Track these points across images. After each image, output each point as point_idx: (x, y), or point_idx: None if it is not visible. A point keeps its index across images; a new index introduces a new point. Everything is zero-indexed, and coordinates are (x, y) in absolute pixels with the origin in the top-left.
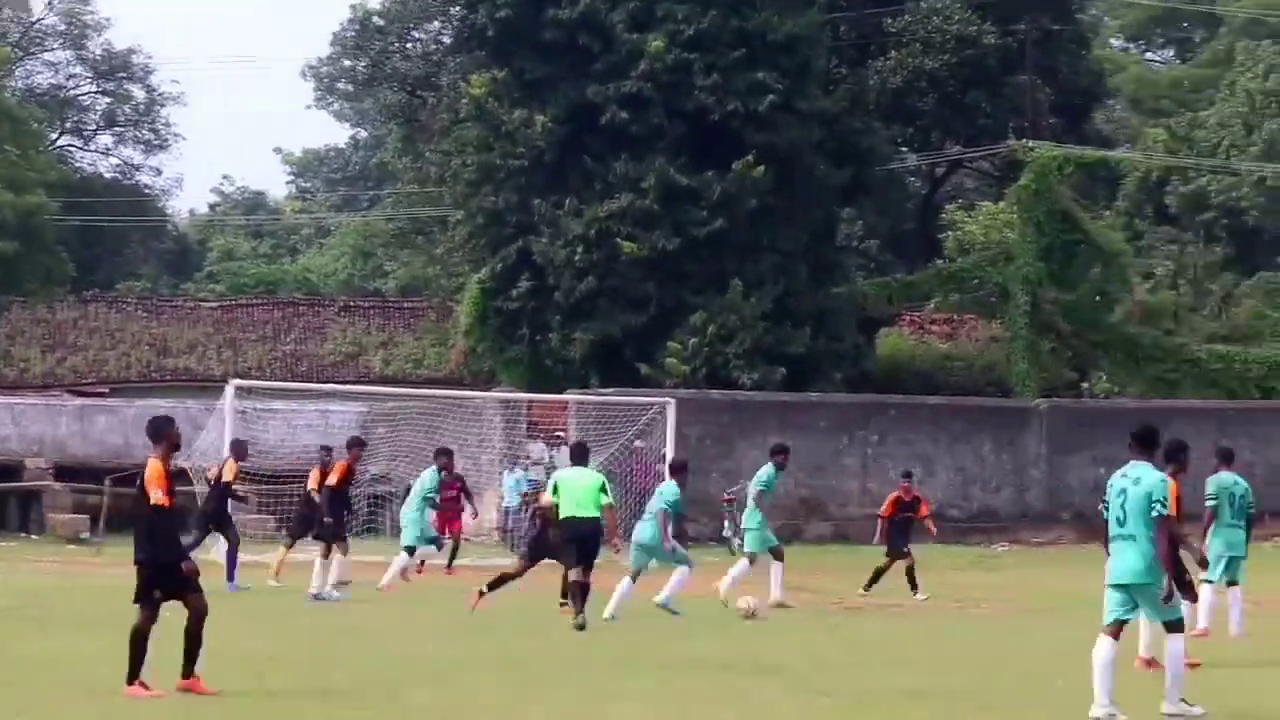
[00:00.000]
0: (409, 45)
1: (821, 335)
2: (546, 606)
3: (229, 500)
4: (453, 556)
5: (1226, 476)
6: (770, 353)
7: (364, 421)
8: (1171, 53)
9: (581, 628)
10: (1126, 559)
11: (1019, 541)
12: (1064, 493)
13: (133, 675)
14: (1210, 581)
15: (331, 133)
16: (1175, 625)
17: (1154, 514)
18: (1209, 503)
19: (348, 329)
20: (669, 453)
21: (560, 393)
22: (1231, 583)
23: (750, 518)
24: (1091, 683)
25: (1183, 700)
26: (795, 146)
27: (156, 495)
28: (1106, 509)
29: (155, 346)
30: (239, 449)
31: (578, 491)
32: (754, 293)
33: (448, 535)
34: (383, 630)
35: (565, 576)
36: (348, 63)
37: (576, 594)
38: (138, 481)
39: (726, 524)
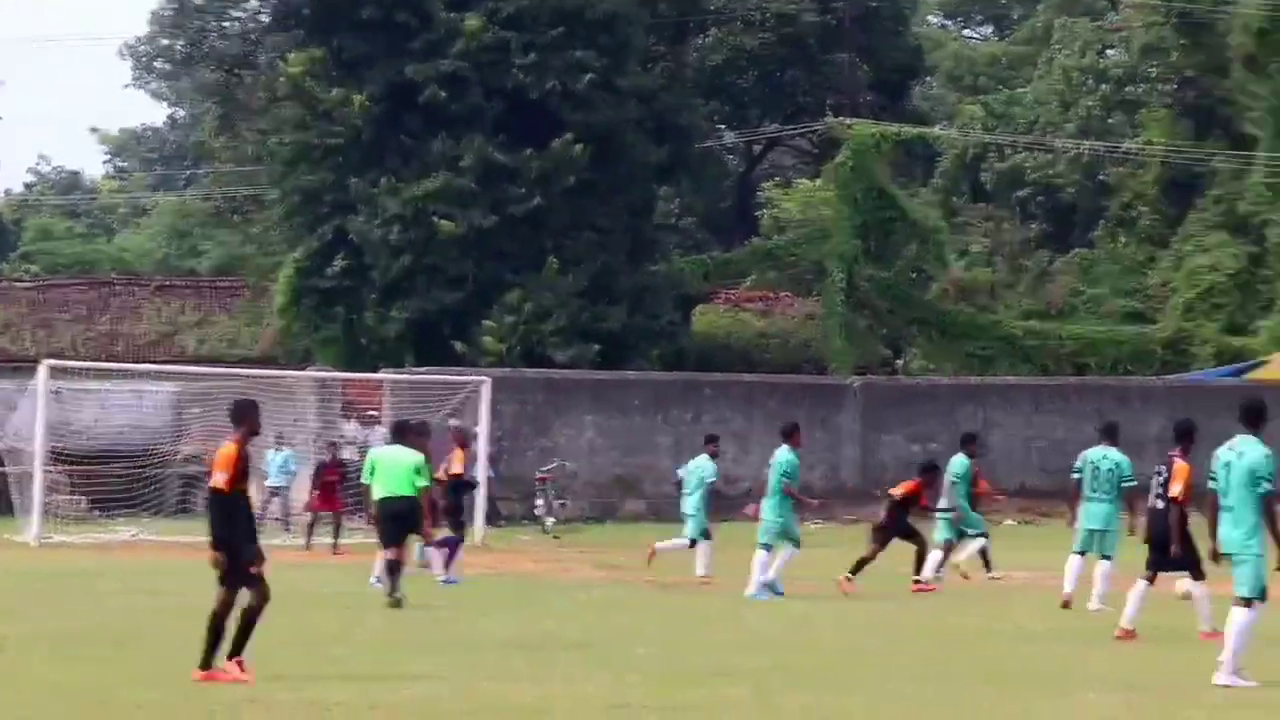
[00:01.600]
0: (226, 24)
1: (638, 313)
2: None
3: (463, 492)
4: (336, 536)
5: (1095, 451)
6: (586, 330)
7: (177, 402)
8: (989, 29)
9: (397, 605)
10: (1226, 529)
11: (833, 519)
12: (878, 470)
13: (207, 660)
14: (1078, 553)
15: (149, 112)
16: (1245, 600)
17: (1259, 490)
18: (1073, 475)
19: (163, 309)
20: (484, 431)
21: (375, 372)
22: (1104, 557)
23: (778, 508)
24: None
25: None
26: (613, 124)
27: (218, 479)
28: (1214, 480)
29: None
30: (461, 436)
31: (393, 471)
32: (571, 270)
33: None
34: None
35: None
36: (165, 41)
37: (393, 572)
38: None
39: (539, 502)
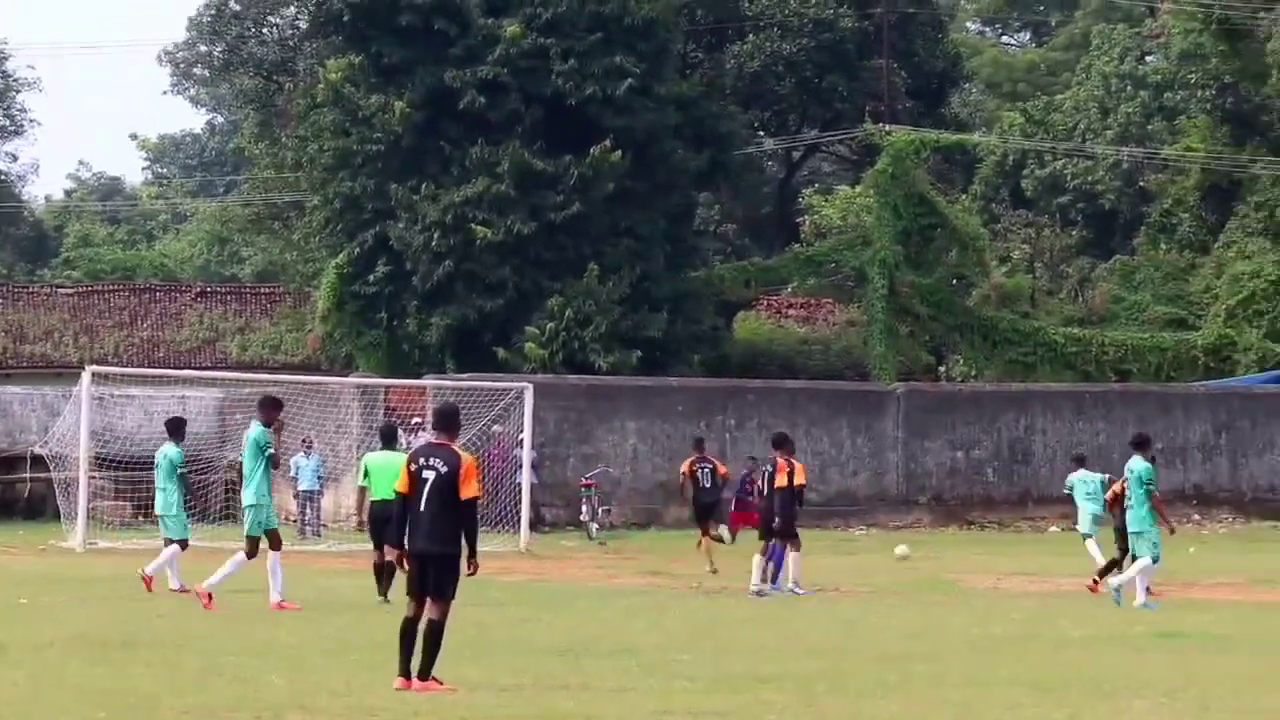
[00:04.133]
0: (265, 30)
1: (679, 319)
2: None
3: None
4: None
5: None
6: (627, 336)
7: (221, 408)
8: (1028, 36)
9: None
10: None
11: (877, 525)
12: (921, 476)
13: (403, 669)
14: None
15: (188, 118)
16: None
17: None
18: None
19: (204, 315)
20: (527, 438)
21: (418, 378)
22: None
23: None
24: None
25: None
26: (652, 131)
27: (474, 488)
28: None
29: (11, 333)
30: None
31: (389, 475)
32: (611, 277)
33: None
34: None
35: None
36: (204, 48)
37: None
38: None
39: (585, 509)
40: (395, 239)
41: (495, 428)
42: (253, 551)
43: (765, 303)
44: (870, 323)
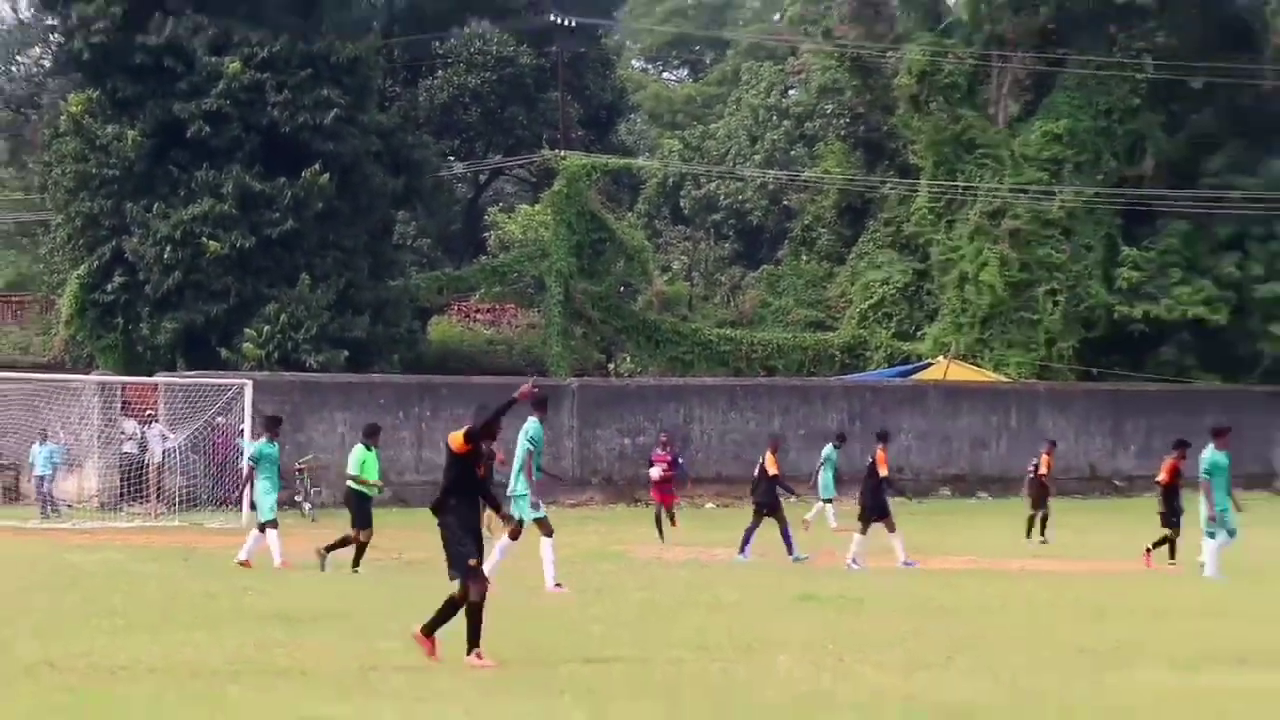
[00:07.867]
0: (14, 68)
1: (380, 322)
2: None
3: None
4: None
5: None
6: (335, 338)
7: None
8: (685, 72)
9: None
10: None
11: (555, 503)
12: (593, 460)
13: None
14: None
15: None
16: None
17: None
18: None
19: None
20: (247, 428)
21: (151, 375)
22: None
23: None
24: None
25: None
26: (356, 156)
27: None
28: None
29: None
30: (774, 441)
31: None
32: (320, 285)
33: None
34: None
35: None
36: None
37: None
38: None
39: (299, 490)
40: (130, 253)
41: (219, 419)
42: (516, 534)
43: (456, 308)
44: (548, 325)
